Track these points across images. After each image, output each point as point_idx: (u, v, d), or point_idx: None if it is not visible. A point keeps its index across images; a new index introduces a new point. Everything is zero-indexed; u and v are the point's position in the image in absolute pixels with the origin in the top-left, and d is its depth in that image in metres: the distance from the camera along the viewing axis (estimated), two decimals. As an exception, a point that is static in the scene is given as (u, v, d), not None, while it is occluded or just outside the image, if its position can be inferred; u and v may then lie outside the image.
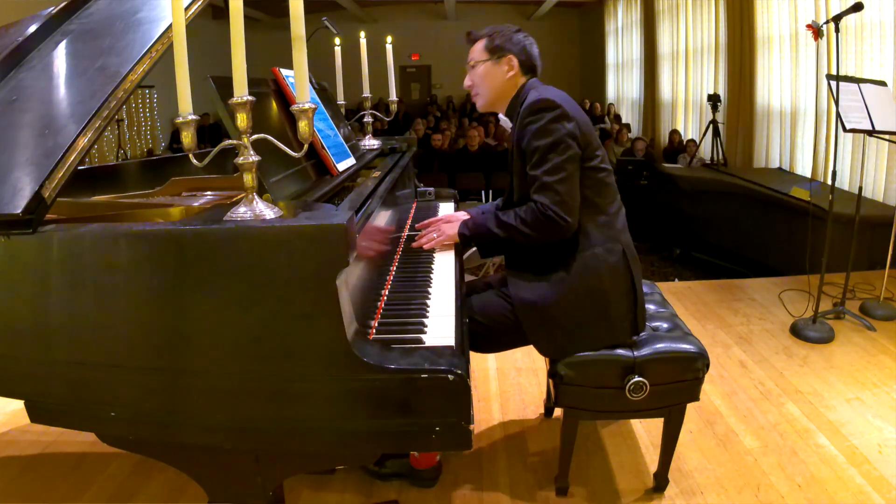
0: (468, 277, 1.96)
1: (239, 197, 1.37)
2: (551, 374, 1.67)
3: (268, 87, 1.66)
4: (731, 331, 3.03)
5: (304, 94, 1.07)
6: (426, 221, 1.91)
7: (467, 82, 1.76)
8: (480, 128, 8.23)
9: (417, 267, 1.68)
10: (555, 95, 1.60)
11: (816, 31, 2.86)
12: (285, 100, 1.69)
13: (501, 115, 1.78)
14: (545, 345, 1.66)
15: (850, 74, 3.69)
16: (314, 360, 1.05)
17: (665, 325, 1.81)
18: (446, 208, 2.47)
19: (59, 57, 1.41)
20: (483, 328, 1.68)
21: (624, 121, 10.80)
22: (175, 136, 9.52)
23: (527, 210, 1.58)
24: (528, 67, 1.72)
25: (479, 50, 1.72)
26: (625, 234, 1.68)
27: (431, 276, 1.61)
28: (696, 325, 3.10)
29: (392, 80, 2.35)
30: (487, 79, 1.71)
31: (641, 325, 1.70)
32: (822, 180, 5.33)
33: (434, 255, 1.76)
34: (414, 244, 1.80)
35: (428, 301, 1.44)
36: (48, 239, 1.10)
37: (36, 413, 1.22)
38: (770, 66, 6.74)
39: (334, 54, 2.33)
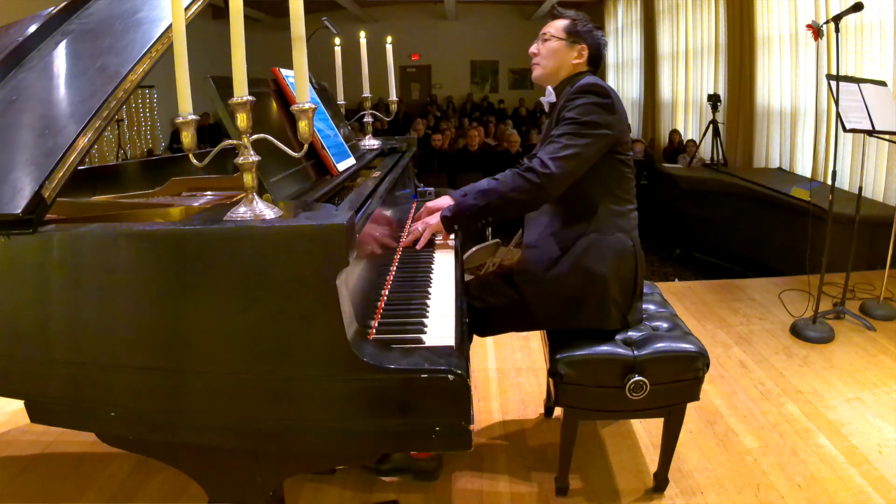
0: (468, 277, 1.96)
1: (239, 197, 1.37)
2: (551, 373, 1.67)
3: (268, 87, 1.66)
4: (731, 331, 3.03)
5: (304, 94, 1.07)
6: (418, 214, 1.92)
7: (533, 49, 1.81)
8: (480, 128, 8.23)
9: (417, 267, 1.68)
10: (609, 88, 1.67)
11: (816, 31, 2.87)
12: (285, 100, 1.69)
13: (549, 88, 1.82)
14: (541, 311, 1.72)
15: (850, 74, 3.69)
16: (314, 360, 1.05)
17: (665, 325, 1.81)
18: None
19: (59, 57, 1.41)
20: (482, 303, 1.74)
21: (624, 121, 10.78)
22: (175, 136, 9.52)
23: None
24: (593, 61, 1.79)
25: (558, 27, 1.77)
26: (635, 233, 1.75)
27: (431, 276, 1.61)
28: (696, 325, 3.10)
29: (392, 80, 2.35)
30: (555, 56, 1.77)
31: (635, 319, 1.75)
32: (822, 180, 5.32)
33: (434, 254, 1.76)
34: (403, 244, 1.81)
35: (428, 301, 1.44)
36: (48, 239, 1.09)
37: (36, 413, 1.21)
38: (770, 66, 6.73)
39: (334, 54, 2.33)
